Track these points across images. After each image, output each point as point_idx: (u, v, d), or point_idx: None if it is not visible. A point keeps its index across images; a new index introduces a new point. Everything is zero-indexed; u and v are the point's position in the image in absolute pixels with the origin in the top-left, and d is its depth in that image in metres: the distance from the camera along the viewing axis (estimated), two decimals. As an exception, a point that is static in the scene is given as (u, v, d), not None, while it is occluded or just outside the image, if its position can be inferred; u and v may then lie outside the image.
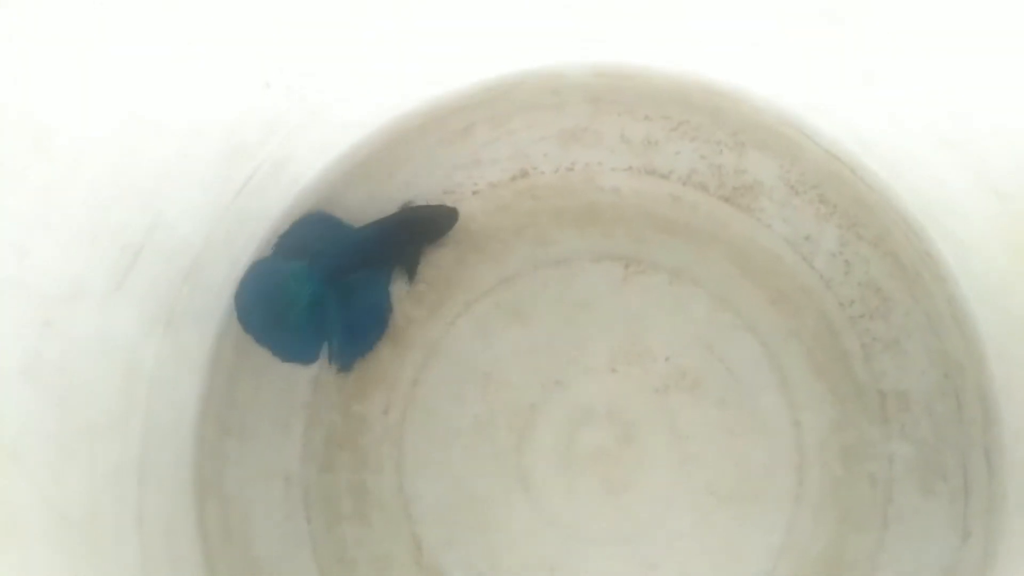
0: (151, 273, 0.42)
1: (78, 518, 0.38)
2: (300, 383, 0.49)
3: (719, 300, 0.49)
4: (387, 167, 0.50)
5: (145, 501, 0.43)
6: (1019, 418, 0.46)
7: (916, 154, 0.46)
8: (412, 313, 0.49)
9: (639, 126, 0.50)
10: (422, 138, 0.50)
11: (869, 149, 0.49)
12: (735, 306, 0.49)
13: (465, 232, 0.50)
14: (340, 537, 0.48)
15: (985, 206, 0.43)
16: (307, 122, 0.47)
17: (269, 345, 0.48)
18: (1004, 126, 0.40)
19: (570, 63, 0.50)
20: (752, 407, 0.48)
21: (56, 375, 0.37)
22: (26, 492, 0.35)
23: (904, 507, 0.47)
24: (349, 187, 0.50)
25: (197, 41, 0.38)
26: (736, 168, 0.50)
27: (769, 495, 0.47)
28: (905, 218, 0.49)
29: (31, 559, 0.35)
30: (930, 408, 0.48)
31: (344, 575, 0.47)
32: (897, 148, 0.47)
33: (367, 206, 0.50)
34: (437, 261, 0.50)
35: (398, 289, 0.49)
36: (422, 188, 0.50)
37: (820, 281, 0.49)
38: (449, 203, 0.50)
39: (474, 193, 0.50)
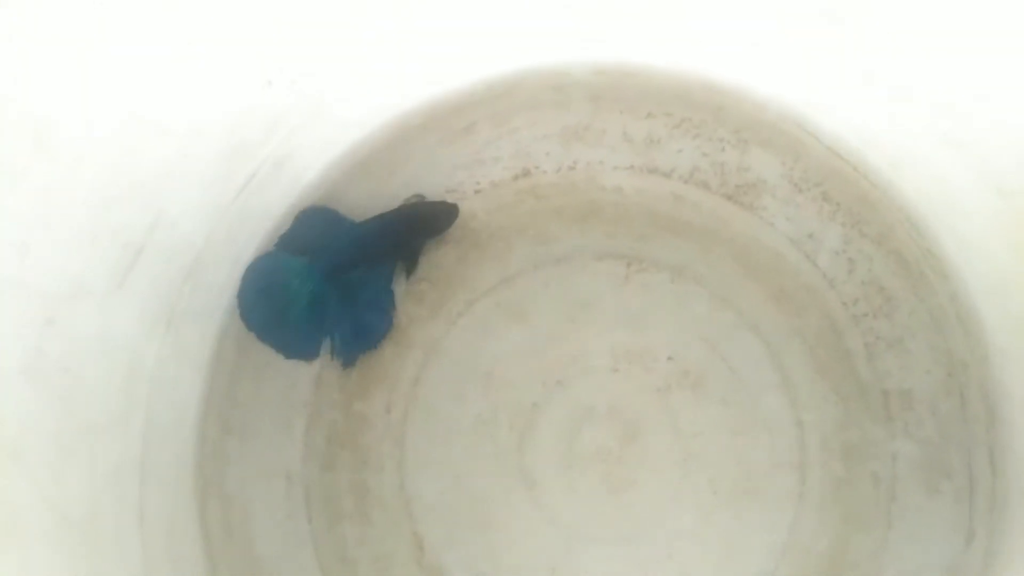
0: (152, 272, 0.42)
1: (79, 518, 0.38)
2: (301, 382, 0.49)
3: (721, 299, 0.49)
4: (388, 166, 0.50)
5: (146, 500, 0.43)
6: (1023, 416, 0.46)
7: (918, 152, 0.46)
8: (414, 312, 0.49)
9: (641, 124, 0.50)
10: (423, 137, 0.50)
11: (871, 147, 0.49)
12: (737, 305, 0.49)
13: (467, 231, 0.50)
14: (341, 536, 0.48)
15: (987, 203, 0.43)
16: (308, 121, 0.47)
17: (271, 342, 0.49)
18: (1005, 124, 0.40)
19: (572, 61, 0.50)
20: (754, 406, 0.48)
21: (57, 374, 0.38)
22: (26, 492, 0.36)
23: (908, 506, 0.47)
24: (350, 186, 0.50)
25: (197, 41, 0.38)
26: (739, 166, 0.50)
27: (771, 494, 0.47)
28: (908, 216, 0.49)
29: (31, 559, 0.35)
30: (934, 407, 0.48)
31: (345, 574, 0.47)
32: (899, 146, 0.47)
33: (368, 205, 0.49)
34: (439, 260, 0.50)
35: (399, 286, 0.49)
36: (424, 187, 0.50)
37: (823, 279, 0.49)
38: (451, 201, 0.50)
39: (476, 192, 0.50)
